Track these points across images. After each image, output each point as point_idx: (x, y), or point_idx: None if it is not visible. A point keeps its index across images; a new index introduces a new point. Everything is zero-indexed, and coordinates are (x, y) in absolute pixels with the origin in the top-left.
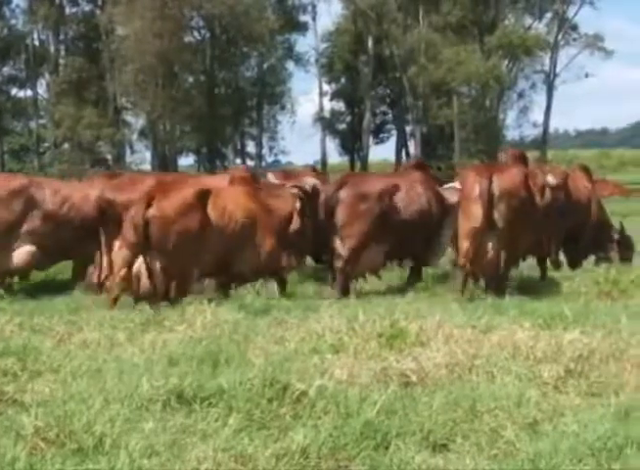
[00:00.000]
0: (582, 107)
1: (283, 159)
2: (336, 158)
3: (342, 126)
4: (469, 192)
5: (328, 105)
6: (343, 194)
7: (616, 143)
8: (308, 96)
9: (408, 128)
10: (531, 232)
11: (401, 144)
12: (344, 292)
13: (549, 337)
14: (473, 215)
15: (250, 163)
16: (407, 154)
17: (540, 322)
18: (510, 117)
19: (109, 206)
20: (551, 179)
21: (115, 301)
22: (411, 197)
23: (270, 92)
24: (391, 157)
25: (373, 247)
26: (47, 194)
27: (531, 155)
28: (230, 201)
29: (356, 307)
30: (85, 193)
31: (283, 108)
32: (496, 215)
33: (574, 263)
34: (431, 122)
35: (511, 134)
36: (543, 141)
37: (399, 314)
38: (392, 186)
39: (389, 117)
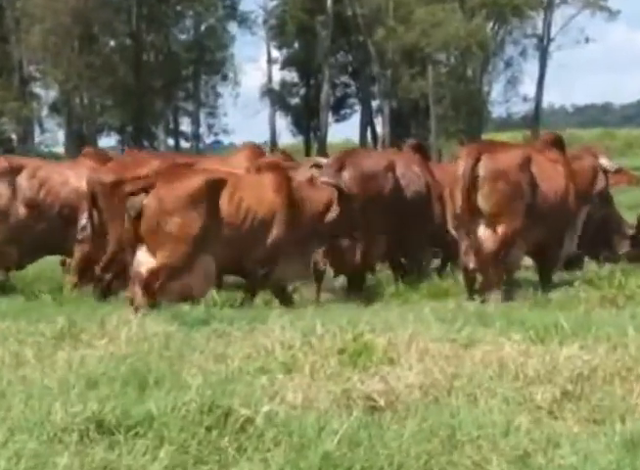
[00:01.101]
0: (582, 78)
1: (225, 139)
2: (288, 138)
3: (296, 101)
4: (454, 173)
5: (278, 75)
6: (348, 175)
7: (621, 121)
8: (255, 64)
9: (374, 103)
10: (538, 224)
11: (366, 121)
12: (359, 288)
13: (542, 352)
14: (455, 200)
15: (184, 144)
16: (374, 133)
17: (532, 335)
18: (496, 89)
19: (102, 188)
20: (606, 162)
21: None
22: (411, 180)
23: (209, 59)
24: (355, 137)
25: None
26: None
27: (516, 135)
28: (253, 193)
29: (313, 318)
30: (67, 177)
31: (224, 78)
32: (480, 200)
33: (572, 264)
34: (401, 96)
35: (497, 110)
36: (535, 118)
37: (364, 326)
38: (398, 165)
39: (352, 89)
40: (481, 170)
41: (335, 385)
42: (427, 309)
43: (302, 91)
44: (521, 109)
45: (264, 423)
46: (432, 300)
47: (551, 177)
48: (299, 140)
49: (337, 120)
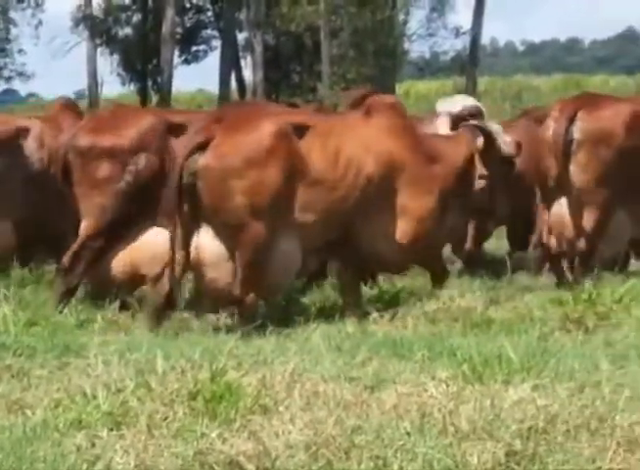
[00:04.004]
0: (538, 3)
1: (21, 88)
2: (115, 86)
3: (126, 32)
4: (542, 136)
5: None
6: None
7: (592, 64)
8: None
9: (241, 37)
10: None
11: (229, 63)
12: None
13: (480, 396)
14: (546, 171)
15: None
16: (240, 81)
17: (466, 371)
18: (415, 18)
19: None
20: None
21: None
22: None
23: None
24: (212, 85)
25: None
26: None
27: (445, 83)
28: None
29: (151, 348)
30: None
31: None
32: (573, 170)
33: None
34: (280, 28)
35: (417, 48)
36: (471, 60)
37: (227, 359)
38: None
39: (209, 16)
40: (577, 132)
41: (184, 444)
42: (316, 335)
43: (136, 18)
44: (451, 46)
45: None
46: (323, 320)
47: None
48: (131, 89)
49: (186, 61)
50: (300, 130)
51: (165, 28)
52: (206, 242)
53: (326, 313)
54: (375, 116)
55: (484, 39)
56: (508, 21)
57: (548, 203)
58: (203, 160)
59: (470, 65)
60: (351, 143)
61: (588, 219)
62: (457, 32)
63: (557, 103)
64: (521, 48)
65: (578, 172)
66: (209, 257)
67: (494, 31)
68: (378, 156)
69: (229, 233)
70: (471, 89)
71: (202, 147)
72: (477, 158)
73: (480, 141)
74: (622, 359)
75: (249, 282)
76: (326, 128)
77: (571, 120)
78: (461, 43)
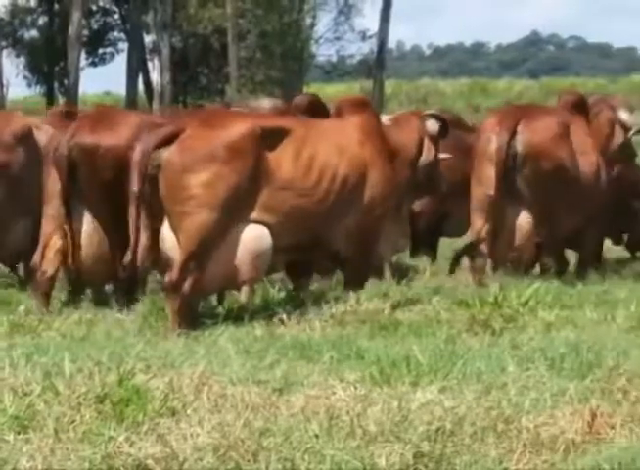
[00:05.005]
0: (444, 7)
1: None
2: (21, 88)
3: (32, 34)
4: (483, 146)
5: None
6: None
7: (497, 68)
8: None
9: (148, 39)
10: (572, 211)
11: (136, 66)
12: None
13: (388, 398)
14: (485, 180)
15: None
16: (147, 84)
17: (373, 373)
18: (323, 22)
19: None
20: (626, 116)
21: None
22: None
23: None
24: (119, 88)
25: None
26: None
27: (352, 87)
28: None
29: (59, 351)
30: None
31: None
32: (519, 182)
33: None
34: (187, 30)
35: (324, 51)
36: (378, 64)
37: (135, 362)
38: None
39: (116, 18)
40: (520, 146)
41: (91, 447)
42: (224, 338)
43: (42, 20)
44: (358, 50)
45: None
46: (232, 323)
47: (585, 150)
48: (38, 92)
49: (93, 63)
50: (272, 133)
51: (72, 31)
52: (169, 233)
53: (234, 316)
54: (350, 116)
55: (391, 43)
56: (415, 24)
57: (485, 212)
58: (167, 153)
59: (376, 68)
60: (326, 145)
61: (535, 226)
62: (364, 36)
63: (492, 115)
64: (427, 52)
65: (522, 182)
66: (171, 248)
67: (401, 35)
68: (353, 157)
69: (178, 223)
70: (377, 92)
71: (169, 141)
72: (426, 142)
73: (434, 126)
74: (528, 361)
75: (186, 270)
76: (301, 131)
77: (513, 133)
78: (368, 46)
